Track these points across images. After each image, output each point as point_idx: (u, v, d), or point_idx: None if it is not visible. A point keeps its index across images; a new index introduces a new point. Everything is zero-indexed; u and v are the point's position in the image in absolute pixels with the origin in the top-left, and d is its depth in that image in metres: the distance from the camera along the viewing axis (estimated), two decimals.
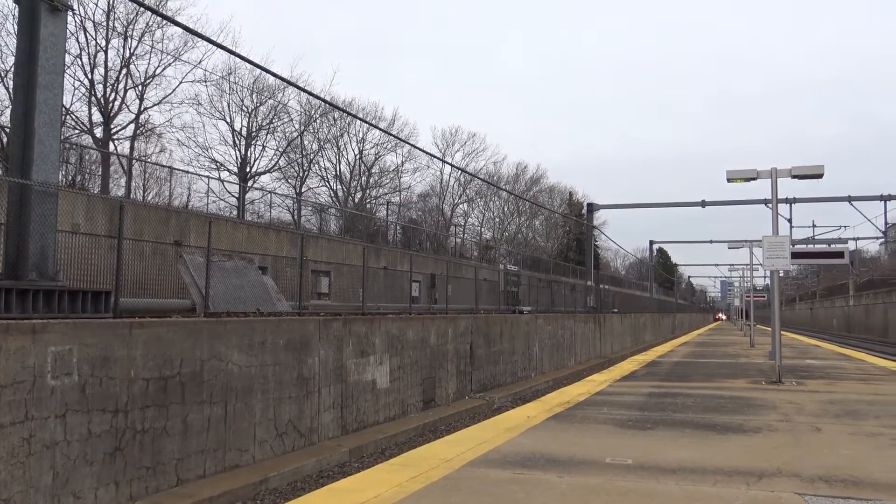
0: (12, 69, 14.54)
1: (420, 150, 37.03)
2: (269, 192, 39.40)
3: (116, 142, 34.39)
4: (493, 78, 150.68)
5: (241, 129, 43.08)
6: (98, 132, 32.84)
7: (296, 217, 40.26)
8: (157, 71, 34.54)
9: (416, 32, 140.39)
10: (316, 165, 50.51)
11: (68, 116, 30.07)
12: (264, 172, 45.28)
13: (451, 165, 53.97)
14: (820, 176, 15.21)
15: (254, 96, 42.86)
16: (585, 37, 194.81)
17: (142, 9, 29.59)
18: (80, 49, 31.10)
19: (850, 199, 37.60)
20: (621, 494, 5.66)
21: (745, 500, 5.51)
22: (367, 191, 53.86)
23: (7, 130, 21.12)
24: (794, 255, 20.04)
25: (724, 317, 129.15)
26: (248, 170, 43.49)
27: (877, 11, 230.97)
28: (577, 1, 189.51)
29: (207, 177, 34.92)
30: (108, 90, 32.79)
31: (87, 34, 31.37)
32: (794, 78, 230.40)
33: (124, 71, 33.17)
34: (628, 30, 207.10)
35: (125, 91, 33.54)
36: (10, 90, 19.91)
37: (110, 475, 8.27)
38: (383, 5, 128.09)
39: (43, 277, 9.63)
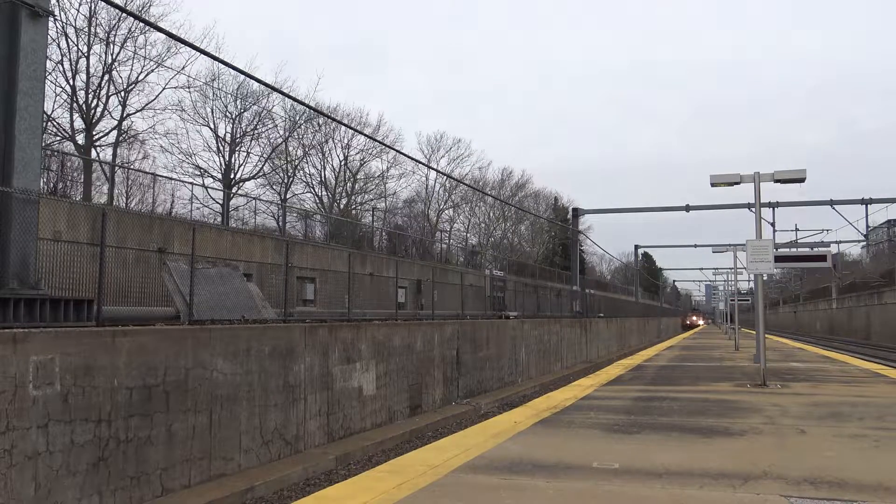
0: None
1: (405, 155, 36.84)
2: (254, 198, 39.19)
3: (99, 148, 34.13)
4: (478, 83, 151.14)
5: (224, 135, 42.89)
6: (80, 139, 32.57)
7: (280, 223, 40.08)
8: (140, 77, 34.33)
9: (402, 38, 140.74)
10: (301, 171, 50.40)
11: (50, 123, 29.79)
12: (248, 179, 45.10)
13: (437, 171, 53.95)
14: (802, 180, 15.32)
15: (238, 102, 42.70)
16: (571, 43, 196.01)
17: (124, 14, 29.43)
18: (62, 55, 30.85)
19: (832, 202, 37.94)
20: (609, 499, 5.67)
21: (732, 502, 5.53)
22: (353, 197, 53.76)
23: None
24: (778, 259, 20.19)
25: (701, 322, 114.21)
26: (232, 176, 43.26)
27: (858, 21, 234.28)
28: (562, 8, 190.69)
29: (191, 183, 34.72)
30: (90, 96, 32.55)
31: (69, 40, 31.13)
32: (777, 87, 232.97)
33: (106, 77, 32.94)
34: (613, 37, 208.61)
35: (107, 97, 33.29)
36: None
37: (94, 485, 8.17)
38: (369, 11, 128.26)
39: (24, 286, 9.52)
